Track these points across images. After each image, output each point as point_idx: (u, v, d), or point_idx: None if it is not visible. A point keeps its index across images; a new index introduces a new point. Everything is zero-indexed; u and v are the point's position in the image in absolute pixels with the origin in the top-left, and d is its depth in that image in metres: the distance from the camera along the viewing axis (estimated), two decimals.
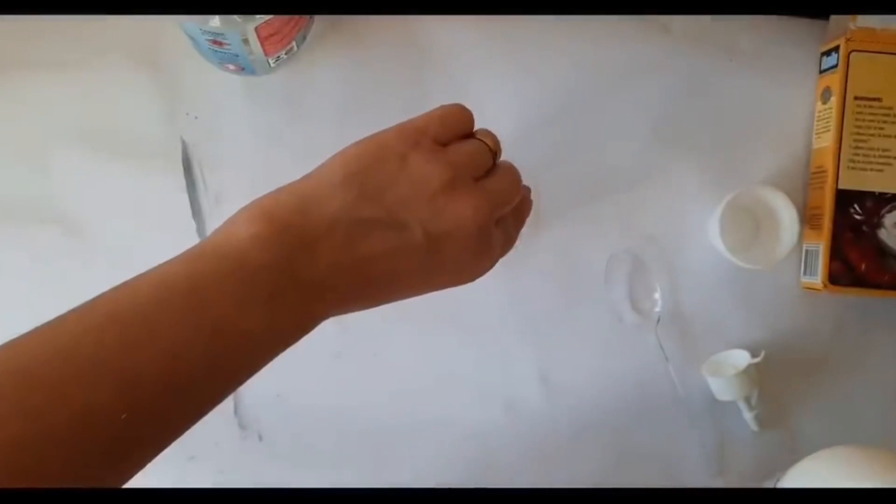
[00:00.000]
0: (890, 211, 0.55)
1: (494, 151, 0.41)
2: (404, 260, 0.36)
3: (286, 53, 0.55)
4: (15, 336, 0.30)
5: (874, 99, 0.55)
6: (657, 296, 0.57)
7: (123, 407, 0.29)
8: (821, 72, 0.58)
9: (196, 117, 0.57)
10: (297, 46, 0.55)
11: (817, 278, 0.55)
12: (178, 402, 0.31)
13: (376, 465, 0.57)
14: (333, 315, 0.36)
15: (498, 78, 0.58)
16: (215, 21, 0.47)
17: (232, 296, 0.32)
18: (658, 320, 0.57)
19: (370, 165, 0.36)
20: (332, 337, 0.57)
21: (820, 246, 0.55)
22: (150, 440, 0.31)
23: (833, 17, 0.57)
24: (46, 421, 0.27)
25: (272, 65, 0.55)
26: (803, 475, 0.48)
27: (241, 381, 0.34)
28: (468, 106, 0.42)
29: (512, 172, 0.41)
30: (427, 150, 0.37)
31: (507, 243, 0.42)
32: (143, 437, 0.30)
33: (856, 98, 0.55)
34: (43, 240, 0.56)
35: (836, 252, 0.55)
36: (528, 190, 0.44)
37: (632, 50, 0.58)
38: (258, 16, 0.47)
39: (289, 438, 0.57)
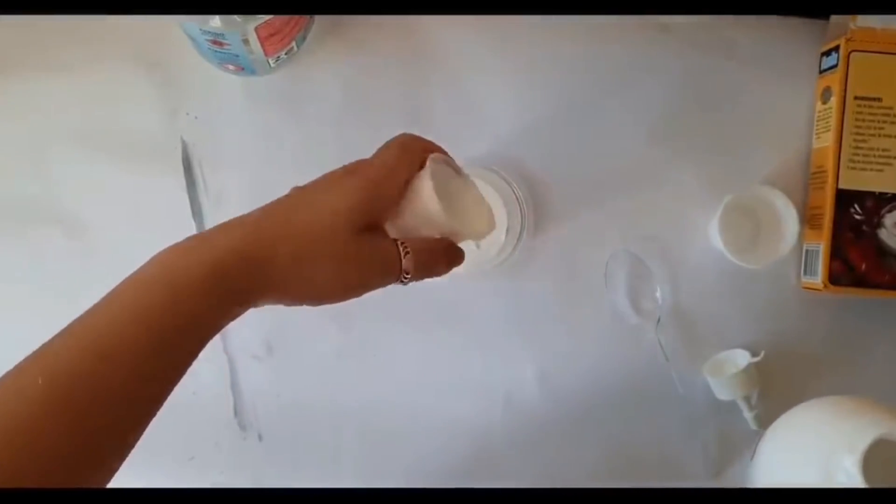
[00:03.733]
0: (890, 211, 0.54)
1: None
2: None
3: (286, 53, 0.55)
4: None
5: (874, 99, 0.55)
6: (658, 296, 0.57)
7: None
8: (821, 72, 0.58)
9: (196, 117, 0.57)
10: (297, 47, 0.55)
11: (817, 278, 0.55)
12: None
13: (376, 463, 0.57)
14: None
15: (498, 78, 0.58)
16: (215, 21, 0.47)
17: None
18: (659, 320, 0.57)
19: None
20: (332, 337, 0.57)
21: (820, 246, 0.55)
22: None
23: (833, 17, 0.57)
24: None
25: (272, 65, 0.55)
26: (794, 421, 0.49)
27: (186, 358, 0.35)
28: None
29: None
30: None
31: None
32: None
33: (856, 98, 0.55)
34: (43, 240, 0.56)
35: (836, 252, 0.55)
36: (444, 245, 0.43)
37: (631, 50, 0.58)
38: (258, 16, 0.47)
39: (289, 438, 0.57)
